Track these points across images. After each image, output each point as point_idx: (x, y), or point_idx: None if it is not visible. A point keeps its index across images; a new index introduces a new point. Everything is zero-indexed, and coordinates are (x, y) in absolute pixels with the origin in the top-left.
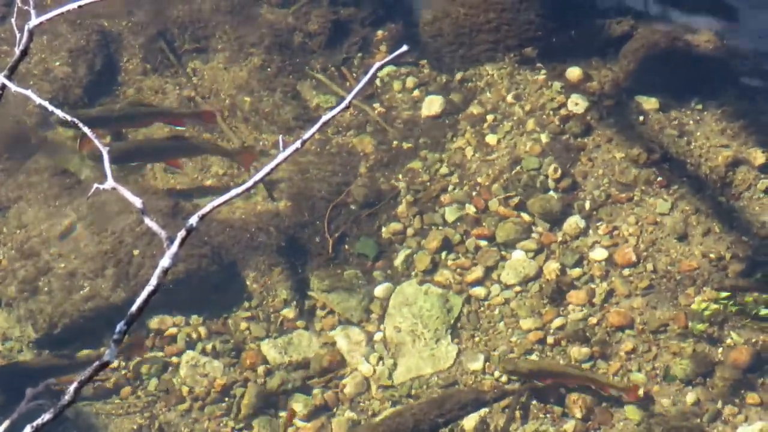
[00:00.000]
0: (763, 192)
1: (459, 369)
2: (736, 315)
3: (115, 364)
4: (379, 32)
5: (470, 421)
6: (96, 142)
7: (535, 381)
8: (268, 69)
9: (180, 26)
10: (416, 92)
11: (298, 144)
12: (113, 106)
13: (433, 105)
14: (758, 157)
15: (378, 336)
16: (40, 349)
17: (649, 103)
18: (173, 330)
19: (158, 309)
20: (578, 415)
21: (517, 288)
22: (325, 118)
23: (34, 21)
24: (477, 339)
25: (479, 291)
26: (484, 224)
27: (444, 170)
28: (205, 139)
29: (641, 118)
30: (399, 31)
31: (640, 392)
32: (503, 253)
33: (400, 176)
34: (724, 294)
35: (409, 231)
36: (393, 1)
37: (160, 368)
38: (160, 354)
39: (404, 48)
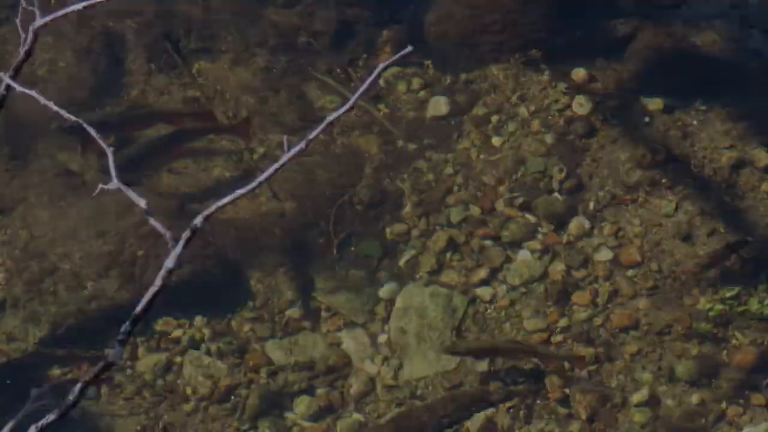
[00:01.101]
0: (767, 193)
1: (464, 370)
2: (742, 315)
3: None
4: (385, 33)
5: (476, 422)
6: (101, 142)
7: (484, 359)
8: (273, 69)
9: (185, 27)
10: (422, 93)
11: (302, 145)
12: (113, 110)
13: (438, 106)
14: (762, 158)
15: (383, 337)
16: (44, 349)
17: (654, 104)
18: (177, 331)
19: (162, 310)
20: (583, 416)
21: (523, 289)
22: (329, 118)
23: (38, 21)
24: (482, 340)
25: (484, 292)
26: (489, 225)
27: (449, 171)
28: (201, 123)
29: (646, 119)
30: (404, 32)
31: (587, 359)
32: (508, 253)
33: (405, 177)
34: (729, 294)
35: (414, 232)
36: (398, 1)
37: (164, 368)
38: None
39: (409, 49)
